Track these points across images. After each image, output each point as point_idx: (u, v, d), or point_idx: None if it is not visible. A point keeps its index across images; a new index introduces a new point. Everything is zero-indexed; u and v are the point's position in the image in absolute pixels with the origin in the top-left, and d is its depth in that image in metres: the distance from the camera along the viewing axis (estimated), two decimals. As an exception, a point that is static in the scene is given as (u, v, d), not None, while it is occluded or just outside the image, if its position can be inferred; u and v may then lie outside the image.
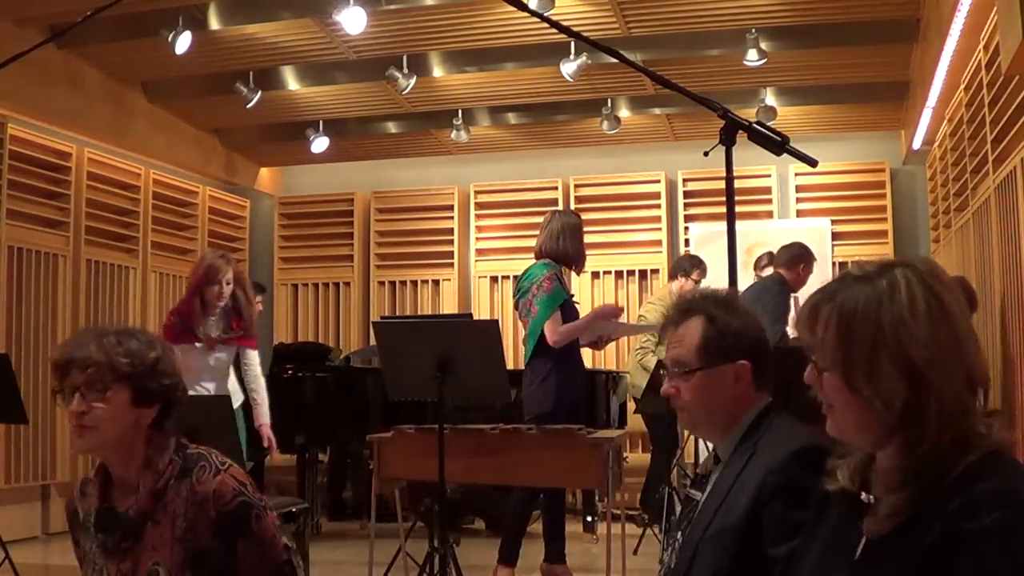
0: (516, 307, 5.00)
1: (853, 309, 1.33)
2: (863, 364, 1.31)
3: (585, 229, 8.16)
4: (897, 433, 1.32)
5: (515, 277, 8.41)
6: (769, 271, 6.44)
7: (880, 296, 1.32)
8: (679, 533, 1.97)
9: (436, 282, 8.73)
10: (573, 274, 5.17)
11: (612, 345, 6.91)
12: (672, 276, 6.68)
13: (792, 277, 5.82)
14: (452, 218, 8.69)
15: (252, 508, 1.92)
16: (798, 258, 5.87)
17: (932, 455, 1.28)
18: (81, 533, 2.01)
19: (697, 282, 6.50)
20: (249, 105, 6.96)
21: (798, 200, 8.04)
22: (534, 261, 4.96)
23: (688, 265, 6.58)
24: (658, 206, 8.27)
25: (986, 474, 1.25)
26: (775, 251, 6.63)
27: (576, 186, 8.46)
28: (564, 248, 4.89)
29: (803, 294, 6.08)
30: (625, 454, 6.17)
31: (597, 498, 6.36)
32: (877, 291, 1.33)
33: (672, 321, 2.04)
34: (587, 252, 5.20)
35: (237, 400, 4.90)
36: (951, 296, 1.33)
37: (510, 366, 4.60)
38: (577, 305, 5.04)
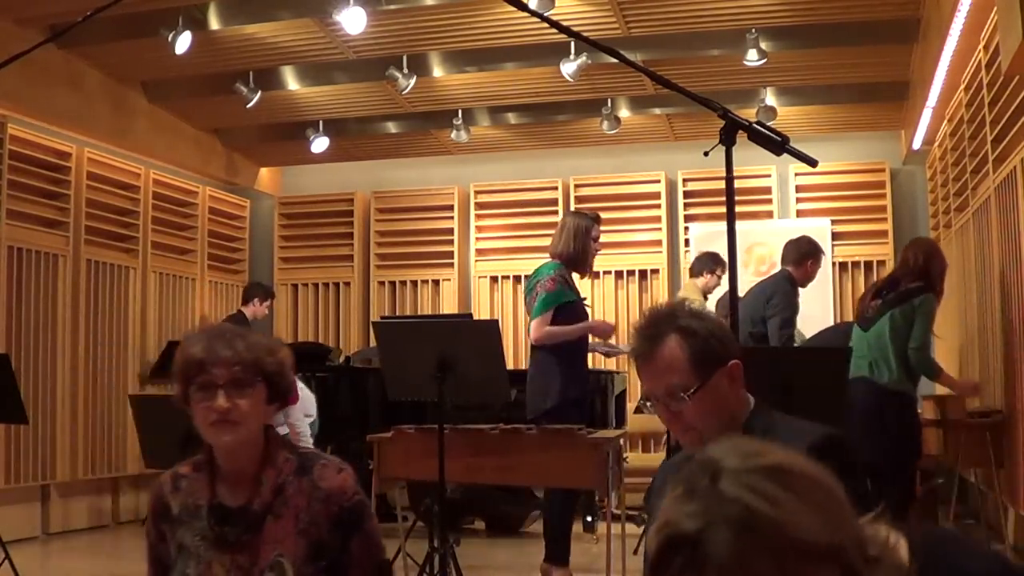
0: (526, 304, 4.99)
1: (731, 560, 1.04)
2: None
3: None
4: None
5: (515, 277, 8.48)
6: (703, 279, 6.38)
7: (736, 521, 1.05)
8: None
9: (436, 282, 8.73)
10: (546, 280, 4.93)
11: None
12: (695, 273, 6.53)
13: (800, 274, 5.68)
14: (452, 218, 8.69)
15: (366, 507, 2.03)
16: (806, 255, 5.70)
17: None
18: (174, 527, 2.02)
19: (720, 278, 6.41)
20: (249, 105, 6.96)
21: (798, 200, 8.03)
22: (547, 260, 4.95)
23: (712, 262, 6.47)
24: (658, 206, 8.27)
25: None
26: (710, 252, 6.53)
27: (576, 186, 8.46)
28: (560, 248, 4.89)
29: (810, 288, 6.05)
30: (625, 454, 6.18)
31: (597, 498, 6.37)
32: (728, 520, 1.05)
33: (643, 354, 1.91)
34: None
35: None
36: (779, 456, 1.12)
37: (510, 366, 4.61)
38: (588, 308, 5.03)
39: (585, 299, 5.07)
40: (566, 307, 4.77)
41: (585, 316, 4.92)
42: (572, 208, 8.33)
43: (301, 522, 1.96)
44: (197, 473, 2.05)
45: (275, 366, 2.02)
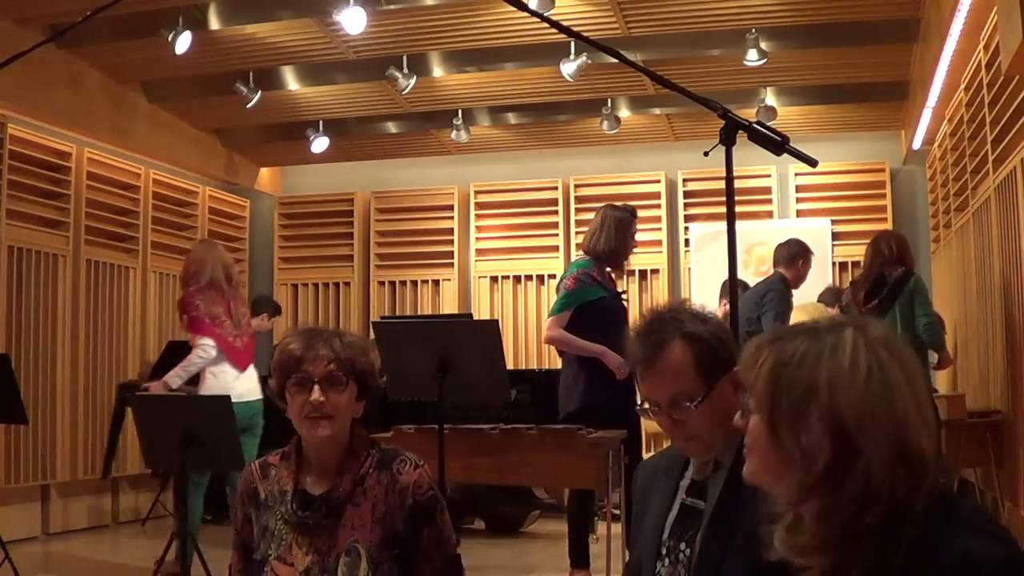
0: None
1: (790, 357, 1.28)
2: (791, 412, 1.26)
3: (583, 229, 8.23)
4: (815, 494, 1.25)
5: (515, 277, 8.49)
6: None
7: (821, 351, 1.27)
8: (683, 544, 1.84)
9: (436, 282, 8.73)
10: (566, 279, 4.82)
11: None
12: (828, 304, 6.60)
13: (792, 275, 5.86)
14: (452, 218, 8.69)
15: (439, 502, 2.15)
16: (796, 255, 5.89)
17: (853, 528, 1.23)
18: (260, 511, 2.16)
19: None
20: (249, 105, 6.96)
21: (798, 200, 8.03)
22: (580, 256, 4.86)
23: (832, 298, 6.55)
24: (658, 206, 8.27)
25: (939, 544, 1.20)
26: (832, 288, 6.50)
27: (576, 186, 8.46)
28: (601, 245, 4.74)
29: (810, 288, 6.11)
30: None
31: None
32: (819, 345, 1.28)
33: (645, 360, 1.83)
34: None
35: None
36: (899, 367, 1.28)
37: (510, 366, 4.58)
38: (625, 302, 4.93)
39: (624, 293, 4.97)
40: (594, 304, 4.62)
41: (619, 312, 4.73)
42: (572, 208, 8.35)
43: (378, 511, 2.09)
44: (283, 462, 2.19)
45: (367, 366, 2.15)
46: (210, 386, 4.93)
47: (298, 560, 2.07)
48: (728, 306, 6.29)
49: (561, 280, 4.78)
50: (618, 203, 5.02)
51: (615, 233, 4.74)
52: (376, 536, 2.07)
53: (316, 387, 2.07)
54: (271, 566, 2.09)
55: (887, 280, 4.86)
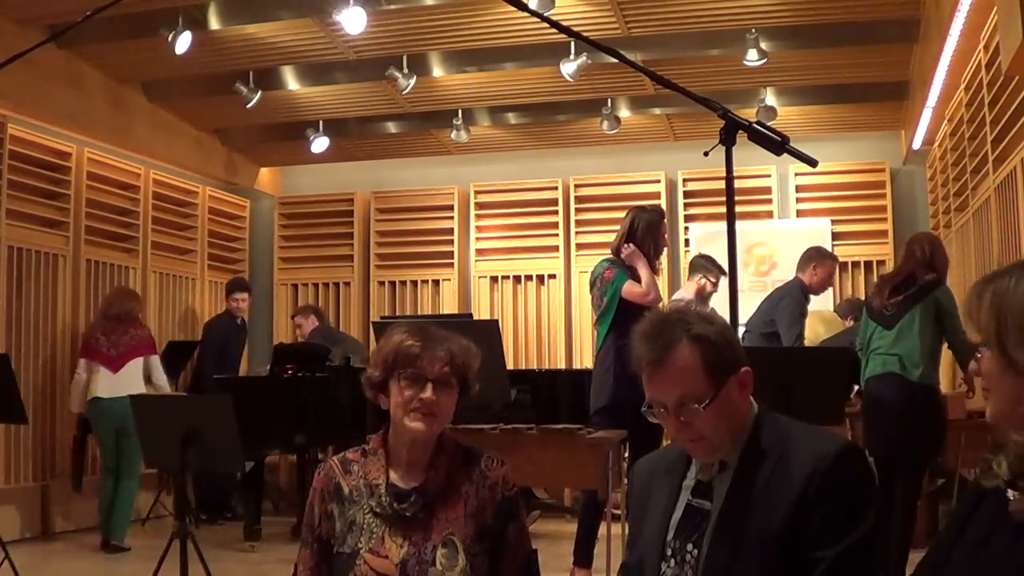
0: (593, 301, 4.91)
1: (1007, 286, 1.40)
2: (1018, 329, 1.37)
3: (584, 229, 8.30)
4: None
5: (515, 277, 8.50)
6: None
7: None
8: (690, 545, 1.83)
9: (436, 282, 8.73)
10: (602, 272, 4.85)
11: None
12: (842, 315, 6.68)
13: (808, 279, 5.91)
14: (452, 218, 8.69)
15: (520, 499, 2.23)
16: (809, 259, 5.95)
17: None
18: (345, 505, 2.17)
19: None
20: (249, 105, 6.96)
21: (798, 200, 8.03)
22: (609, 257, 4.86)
23: (847, 310, 6.61)
24: (658, 206, 8.26)
25: None
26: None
27: (576, 186, 8.46)
28: (639, 246, 4.74)
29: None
30: (626, 454, 6.17)
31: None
32: None
33: (653, 362, 1.82)
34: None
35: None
36: None
37: (510, 366, 4.58)
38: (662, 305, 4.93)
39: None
40: (628, 303, 4.61)
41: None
42: (572, 208, 8.36)
43: (470, 506, 2.14)
44: (367, 458, 2.21)
45: (472, 373, 2.21)
46: (92, 389, 6.08)
47: (392, 552, 2.09)
48: (703, 281, 6.38)
49: (595, 280, 4.77)
50: (646, 204, 5.03)
51: (648, 235, 4.76)
52: (470, 529, 2.12)
53: (430, 385, 2.11)
54: (363, 559, 2.09)
55: (916, 281, 4.88)
